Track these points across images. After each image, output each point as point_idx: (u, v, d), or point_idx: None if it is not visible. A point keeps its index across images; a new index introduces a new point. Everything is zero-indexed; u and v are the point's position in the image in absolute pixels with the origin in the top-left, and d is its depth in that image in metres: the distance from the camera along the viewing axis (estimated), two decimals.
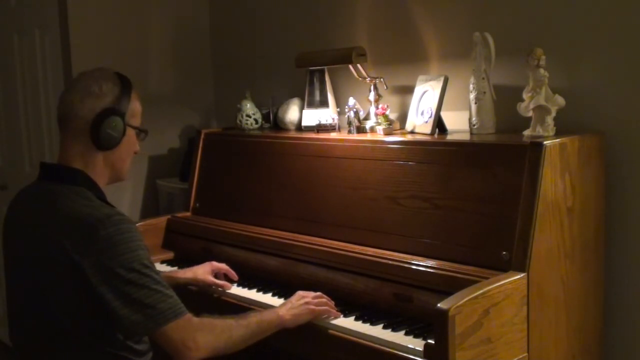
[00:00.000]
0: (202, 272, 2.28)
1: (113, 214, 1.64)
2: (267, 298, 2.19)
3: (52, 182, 1.75)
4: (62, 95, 1.78)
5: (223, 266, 2.33)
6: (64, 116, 1.76)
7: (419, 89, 2.35)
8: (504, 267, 1.81)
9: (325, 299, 2.00)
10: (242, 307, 2.14)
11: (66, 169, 1.75)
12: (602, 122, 2.11)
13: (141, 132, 1.85)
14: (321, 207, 2.35)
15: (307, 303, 1.95)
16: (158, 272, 1.68)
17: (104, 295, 1.60)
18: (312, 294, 2.00)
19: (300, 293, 2.00)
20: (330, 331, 1.93)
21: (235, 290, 2.28)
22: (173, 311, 1.64)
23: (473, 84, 2.19)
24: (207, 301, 2.28)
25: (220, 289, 2.28)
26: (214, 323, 1.74)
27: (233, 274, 2.33)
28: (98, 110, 1.72)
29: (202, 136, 2.90)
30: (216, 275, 2.32)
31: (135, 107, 1.81)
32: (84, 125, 1.73)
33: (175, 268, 2.57)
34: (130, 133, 1.81)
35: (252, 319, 1.82)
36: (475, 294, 1.64)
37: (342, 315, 1.98)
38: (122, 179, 1.87)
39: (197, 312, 1.76)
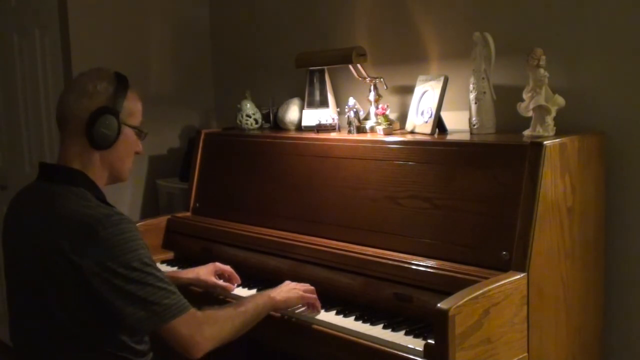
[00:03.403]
0: (205, 272, 2.27)
1: (112, 214, 1.64)
2: None
3: (50, 182, 1.75)
4: (60, 96, 1.79)
5: (227, 268, 2.32)
6: (61, 116, 1.77)
7: (419, 89, 2.35)
8: (504, 267, 1.81)
9: (312, 289, 2.07)
10: None
11: (65, 170, 1.75)
12: (602, 122, 2.11)
13: (140, 132, 1.86)
14: (321, 207, 2.35)
15: (296, 289, 2.04)
16: (160, 270, 1.68)
17: (106, 295, 1.60)
18: (300, 284, 2.08)
19: (288, 282, 2.08)
20: (331, 331, 1.93)
21: (236, 290, 2.28)
22: (178, 306, 1.66)
23: (473, 84, 2.19)
24: (207, 301, 2.28)
25: (222, 291, 2.28)
26: (217, 314, 1.78)
27: (236, 277, 2.32)
28: (93, 109, 1.73)
29: (202, 136, 2.90)
30: (220, 276, 2.32)
31: (131, 106, 1.81)
32: (80, 124, 1.73)
33: (175, 268, 2.58)
34: (128, 132, 1.81)
35: (249, 305, 1.88)
36: (475, 294, 1.64)
37: (323, 310, 2.03)
38: (122, 180, 1.87)
39: (198, 307, 1.77)
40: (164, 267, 2.61)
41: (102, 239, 1.59)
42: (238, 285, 2.31)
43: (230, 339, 1.78)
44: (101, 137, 1.74)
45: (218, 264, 2.32)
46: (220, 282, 2.28)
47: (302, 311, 2.05)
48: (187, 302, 1.69)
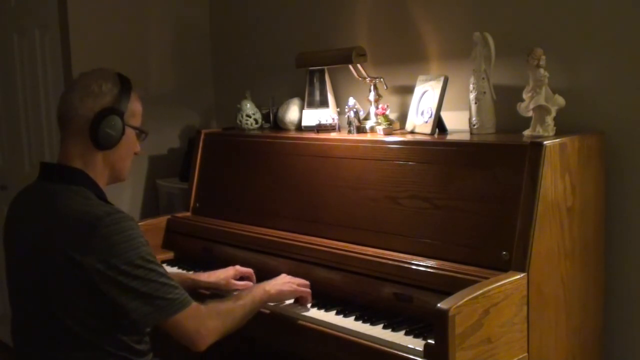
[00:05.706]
0: (225, 277, 2.28)
1: (113, 212, 1.65)
2: None
3: (51, 181, 1.75)
4: (63, 95, 1.79)
5: (248, 270, 2.33)
6: (63, 115, 1.77)
7: (419, 89, 2.35)
8: (504, 267, 1.81)
9: (307, 283, 2.11)
10: None
11: (66, 169, 1.76)
12: (602, 122, 2.11)
13: (141, 132, 1.86)
14: (321, 207, 2.35)
15: (290, 282, 2.09)
16: (161, 265, 1.70)
17: (109, 292, 1.61)
18: (295, 278, 2.12)
19: (284, 275, 2.12)
20: (330, 331, 1.93)
21: None
22: (181, 300, 1.68)
23: (473, 84, 2.19)
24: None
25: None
26: (219, 307, 1.82)
27: (254, 279, 2.32)
28: (97, 109, 1.73)
29: (202, 136, 2.90)
30: (240, 279, 2.32)
31: (134, 107, 1.82)
32: (83, 124, 1.74)
33: (175, 268, 2.58)
34: (130, 133, 1.82)
35: (247, 298, 1.92)
36: (475, 294, 1.64)
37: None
38: (122, 179, 1.88)
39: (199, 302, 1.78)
40: (165, 268, 2.60)
41: (103, 237, 1.60)
42: None
43: (230, 332, 1.81)
44: (105, 137, 1.74)
45: (238, 268, 2.32)
46: (239, 282, 2.29)
47: (291, 305, 2.07)
48: (189, 297, 1.72)
